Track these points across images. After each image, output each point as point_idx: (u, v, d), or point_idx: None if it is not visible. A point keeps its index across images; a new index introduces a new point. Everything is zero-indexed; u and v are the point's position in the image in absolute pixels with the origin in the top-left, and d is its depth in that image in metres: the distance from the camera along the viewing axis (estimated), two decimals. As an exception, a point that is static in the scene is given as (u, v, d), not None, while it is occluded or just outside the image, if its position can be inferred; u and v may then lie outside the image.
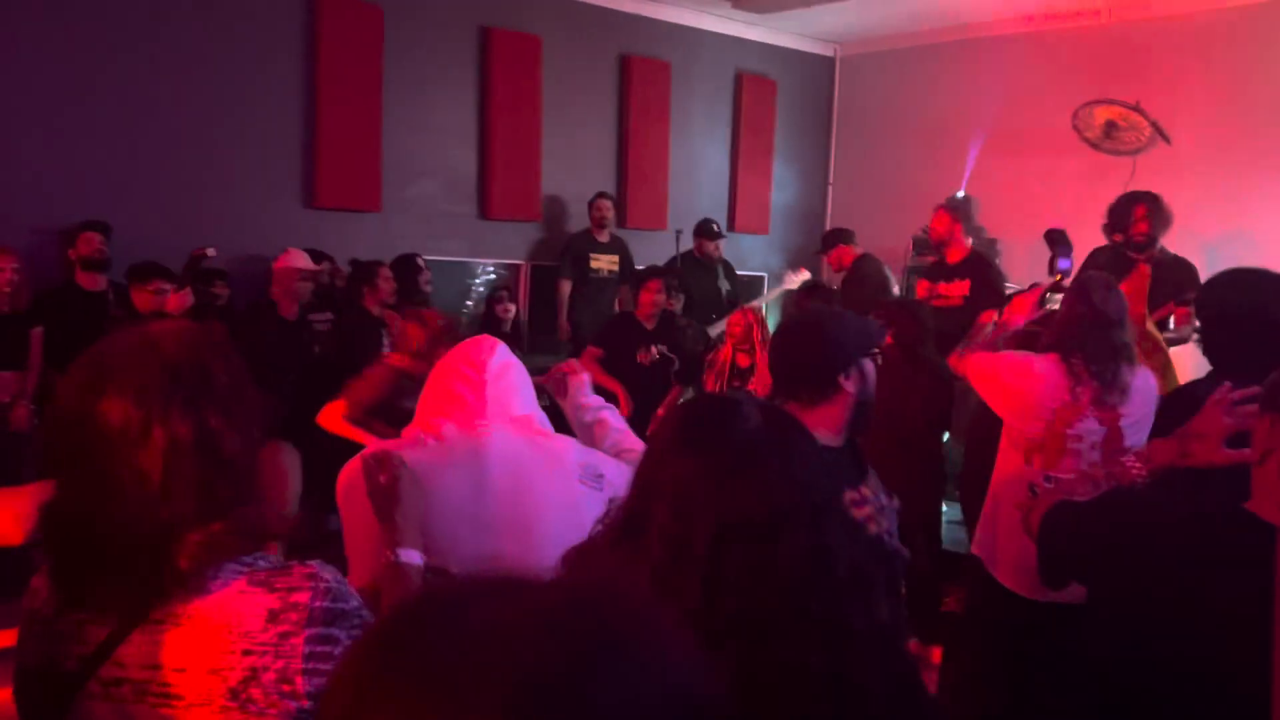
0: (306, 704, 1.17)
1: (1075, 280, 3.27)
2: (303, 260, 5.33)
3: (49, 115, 5.27)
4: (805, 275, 6.79)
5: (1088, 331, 3.07)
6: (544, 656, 0.54)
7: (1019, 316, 3.54)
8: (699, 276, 6.96)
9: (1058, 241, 4.01)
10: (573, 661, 0.54)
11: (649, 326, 5.56)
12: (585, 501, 1.77)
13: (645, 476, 1.11)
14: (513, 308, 6.41)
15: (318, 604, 1.17)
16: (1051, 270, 3.98)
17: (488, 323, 6.27)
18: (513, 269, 7.34)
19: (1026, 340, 3.51)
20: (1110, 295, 3.14)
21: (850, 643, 1.00)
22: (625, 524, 1.10)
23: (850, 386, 1.96)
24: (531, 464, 1.83)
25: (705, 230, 7.07)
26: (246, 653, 1.14)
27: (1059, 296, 3.73)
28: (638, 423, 3.36)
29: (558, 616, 0.57)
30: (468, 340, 1.99)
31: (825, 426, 1.92)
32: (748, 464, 1.07)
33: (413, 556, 1.58)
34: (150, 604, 1.16)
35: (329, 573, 1.22)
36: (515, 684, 0.52)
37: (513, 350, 2.01)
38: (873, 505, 1.91)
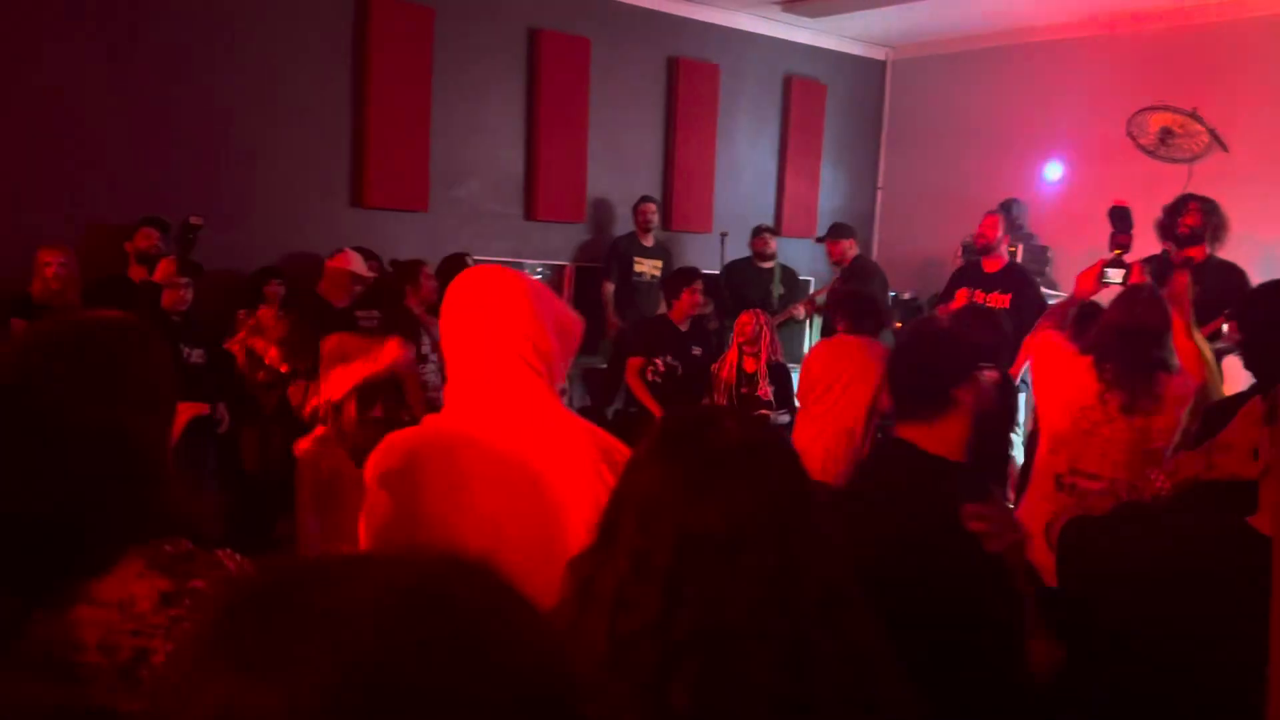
0: None
1: (1123, 290, 3.30)
2: (357, 264, 5.42)
3: (113, 113, 5.42)
4: (803, 312, 6.85)
5: (1124, 340, 3.08)
6: (374, 638, 0.53)
7: (1084, 290, 3.76)
8: (752, 281, 6.97)
9: (1119, 217, 4.00)
10: (404, 644, 0.53)
11: (683, 329, 5.57)
12: None
13: (620, 486, 1.11)
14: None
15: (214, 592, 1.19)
16: (1112, 246, 3.98)
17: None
18: (557, 270, 7.39)
19: (1086, 316, 3.58)
20: (1153, 306, 3.14)
21: (815, 665, 0.97)
22: (600, 533, 1.09)
23: (967, 399, 1.92)
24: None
25: (757, 229, 7.12)
26: (135, 633, 1.15)
27: (1118, 272, 3.76)
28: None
29: (395, 598, 0.56)
30: None
31: (945, 443, 1.83)
32: (713, 476, 1.04)
33: None
34: (53, 582, 1.17)
35: (233, 562, 1.23)
36: (344, 668, 0.52)
37: None
38: (993, 524, 1.77)
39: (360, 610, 0.55)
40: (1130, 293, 3.24)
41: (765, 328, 5.16)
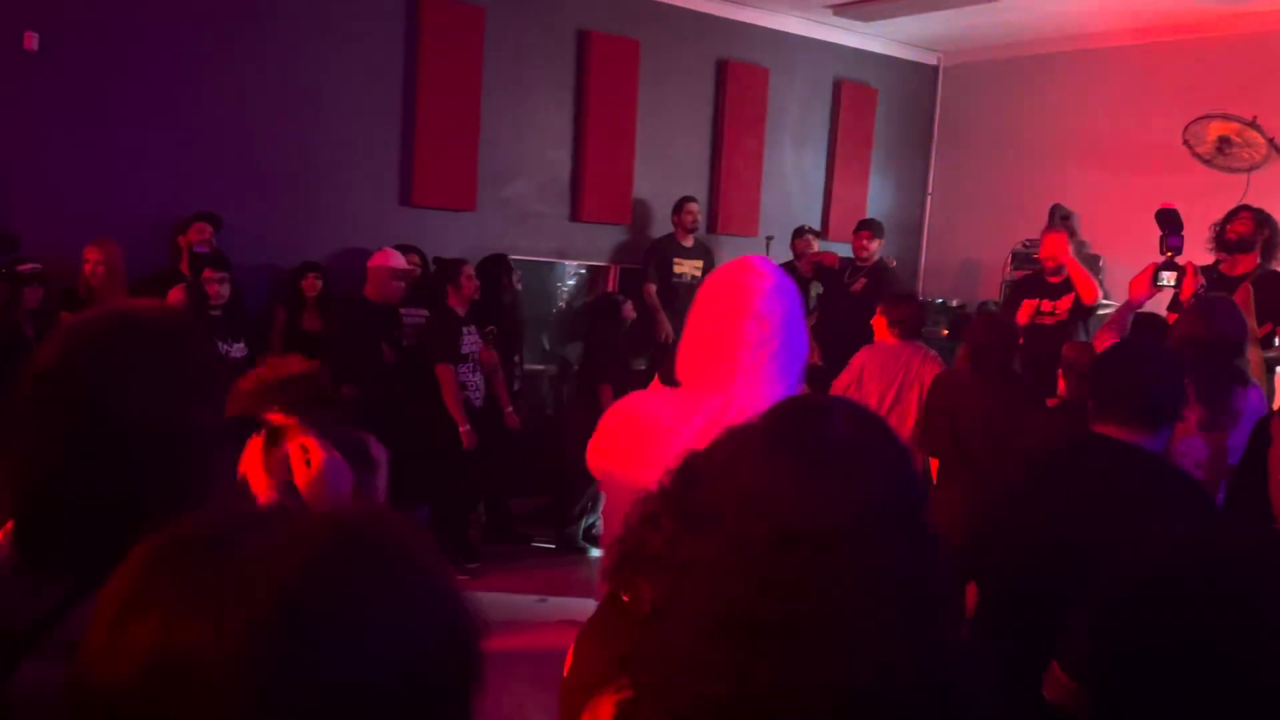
0: None
1: (1198, 300, 3.21)
2: (396, 259, 5.47)
3: (167, 109, 5.54)
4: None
5: (1203, 354, 3.00)
6: (299, 577, 0.57)
7: (1138, 294, 3.78)
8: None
9: (1168, 219, 3.95)
10: (327, 584, 0.57)
11: None
12: None
13: (717, 471, 1.10)
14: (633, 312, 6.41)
15: None
16: (1163, 249, 3.93)
17: (610, 324, 6.27)
18: (601, 271, 7.42)
19: (1150, 324, 3.51)
20: (1230, 317, 3.06)
21: (893, 664, 0.98)
22: (688, 516, 1.09)
23: (1191, 417, 1.89)
24: None
25: (798, 232, 7.12)
26: None
27: (1171, 274, 3.72)
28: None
29: (319, 544, 0.60)
30: None
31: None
32: (818, 474, 1.05)
33: None
34: (100, 572, 1.18)
35: None
36: (268, 601, 0.55)
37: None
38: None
39: (286, 552, 0.58)
40: (1207, 304, 3.15)
41: None
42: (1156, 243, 4.04)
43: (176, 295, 4.72)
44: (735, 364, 1.85)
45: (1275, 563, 1.40)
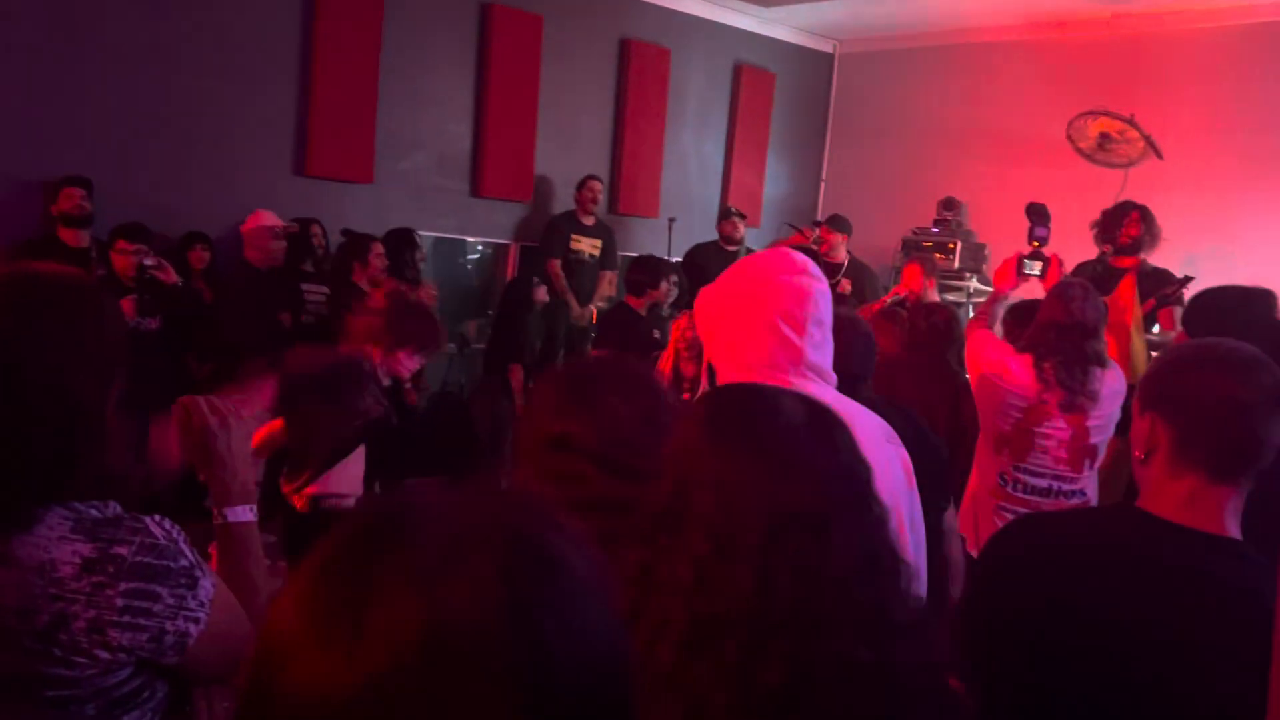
0: (121, 656, 1.18)
1: (1055, 285, 3.34)
2: (270, 218, 5.31)
3: (35, 63, 5.17)
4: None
5: (1062, 337, 3.15)
6: (511, 553, 0.59)
7: (1003, 284, 3.79)
8: (716, 266, 6.91)
9: (1036, 212, 4.18)
10: (539, 560, 0.60)
11: (643, 313, 5.57)
12: None
13: (680, 469, 1.09)
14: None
15: (138, 559, 1.18)
16: (1030, 239, 4.14)
17: (523, 306, 6.17)
18: (501, 249, 7.31)
19: (1022, 313, 3.62)
20: (1088, 302, 3.19)
21: (893, 633, 1.01)
22: (658, 517, 1.08)
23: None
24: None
25: (725, 213, 7.04)
26: (55, 598, 1.14)
27: (1037, 264, 3.87)
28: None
29: (514, 524, 0.62)
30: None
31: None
32: (799, 455, 1.06)
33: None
34: None
35: (160, 529, 1.22)
36: (492, 578, 0.58)
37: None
38: None
39: (490, 531, 0.61)
40: (1064, 289, 3.28)
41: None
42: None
43: (129, 308, 4.61)
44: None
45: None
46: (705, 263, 6.69)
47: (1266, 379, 1.38)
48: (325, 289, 5.43)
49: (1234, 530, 1.39)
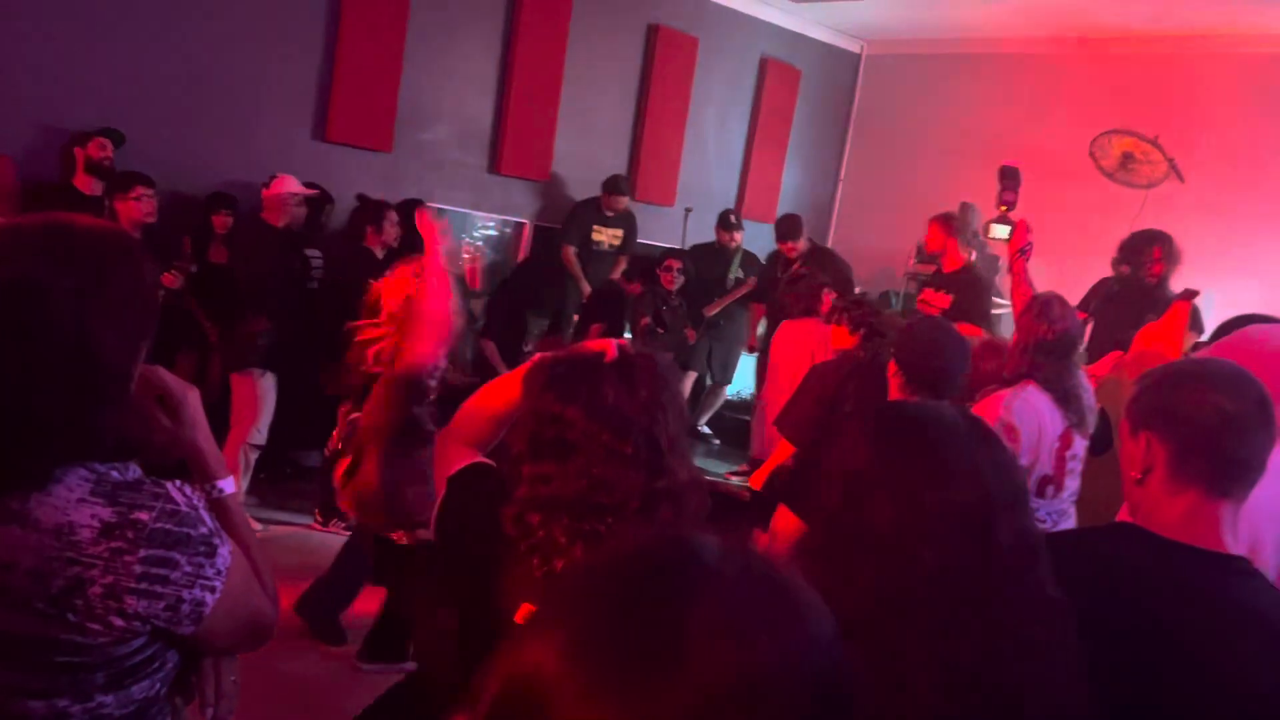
0: (136, 624, 1.15)
1: (1030, 304, 3.18)
2: (294, 184, 5.28)
3: (72, 15, 5.16)
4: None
5: (1052, 357, 3.03)
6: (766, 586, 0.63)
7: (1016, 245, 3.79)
8: (711, 263, 6.94)
9: (1008, 175, 4.10)
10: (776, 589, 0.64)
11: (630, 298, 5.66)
12: None
13: (852, 476, 1.21)
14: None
15: (158, 525, 1.16)
16: (998, 203, 4.08)
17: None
18: (515, 227, 7.30)
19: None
20: (1068, 312, 3.11)
21: (1013, 612, 1.13)
22: (829, 523, 1.22)
23: None
24: None
25: (723, 222, 7.01)
26: (72, 561, 1.12)
27: (1004, 228, 3.80)
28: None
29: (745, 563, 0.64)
30: None
31: None
32: (958, 457, 1.18)
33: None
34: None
35: (182, 495, 1.20)
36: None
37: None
38: None
39: (746, 569, 0.64)
40: (1042, 307, 3.12)
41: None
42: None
43: (173, 281, 4.80)
44: None
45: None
46: (702, 259, 6.80)
47: (1253, 392, 1.41)
48: (319, 252, 5.44)
49: (1232, 545, 1.40)
